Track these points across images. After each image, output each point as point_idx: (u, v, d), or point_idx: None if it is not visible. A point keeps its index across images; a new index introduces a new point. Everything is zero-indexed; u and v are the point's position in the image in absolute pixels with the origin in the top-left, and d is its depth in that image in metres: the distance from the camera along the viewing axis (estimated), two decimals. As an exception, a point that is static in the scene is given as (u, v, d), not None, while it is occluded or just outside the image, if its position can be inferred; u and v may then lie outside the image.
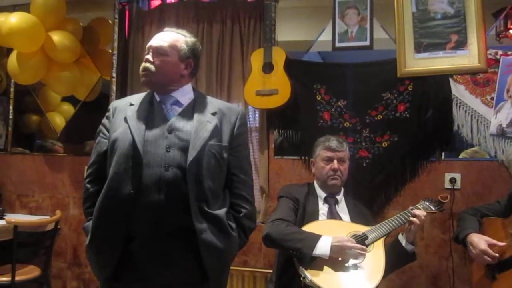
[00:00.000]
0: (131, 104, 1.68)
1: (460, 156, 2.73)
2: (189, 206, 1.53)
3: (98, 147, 1.69)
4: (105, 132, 1.69)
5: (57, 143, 3.72)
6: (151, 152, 1.56)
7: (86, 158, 3.40)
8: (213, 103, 1.75)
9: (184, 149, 1.57)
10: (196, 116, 1.65)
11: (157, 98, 1.69)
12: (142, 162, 1.54)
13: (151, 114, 1.64)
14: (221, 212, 1.61)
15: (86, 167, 1.74)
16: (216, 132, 1.64)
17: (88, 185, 1.67)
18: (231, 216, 1.66)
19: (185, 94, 1.71)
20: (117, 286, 1.59)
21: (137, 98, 1.72)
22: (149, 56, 1.66)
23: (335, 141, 2.31)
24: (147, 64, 1.65)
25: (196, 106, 1.69)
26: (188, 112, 1.67)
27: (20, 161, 3.67)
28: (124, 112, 1.66)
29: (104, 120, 1.73)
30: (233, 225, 1.64)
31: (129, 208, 1.53)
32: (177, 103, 1.69)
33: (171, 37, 1.69)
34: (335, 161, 2.27)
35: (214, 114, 1.69)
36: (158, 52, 1.65)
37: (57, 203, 3.50)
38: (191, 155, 1.56)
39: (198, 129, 1.61)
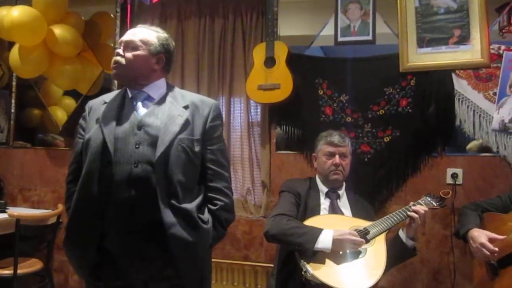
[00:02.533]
0: (105, 103, 1.69)
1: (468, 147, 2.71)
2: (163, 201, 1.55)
3: (76, 147, 1.71)
4: (82, 132, 1.71)
5: (58, 137, 3.71)
6: (121, 149, 1.57)
7: (88, 152, 3.44)
8: (186, 96, 1.74)
9: (153, 145, 1.58)
10: (166, 110, 1.65)
11: (129, 94, 1.70)
12: (112, 160, 1.56)
13: (122, 111, 1.65)
14: (191, 205, 1.61)
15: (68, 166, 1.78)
16: (187, 125, 1.64)
17: (69, 185, 1.72)
18: (205, 209, 1.66)
19: (158, 89, 1.72)
20: (100, 285, 1.62)
21: (111, 96, 1.73)
22: (119, 50, 1.67)
23: (337, 136, 2.31)
24: (118, 58, 1.66)
25: (167, 101, 1.69)
26: (159, 107, 1.67)
27: (22, 155, 3.67)
28: (98, 111, 1.67)
29: (81, 121, 1.74)
30: (205, 217, 1.63)
31: (101, 206, 1.55)
32: (148, 98, 1.70)
33: (142, 32, 1.70)
34: (337, 156, 2.27)
35: (186, 107, 1.68)
36: (129, 46, 1.67)
37: (59, 197, 3.50)
38: (159, 150, 1.56)
39: (167, 123, 1.61)
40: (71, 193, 1.67)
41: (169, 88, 1.75)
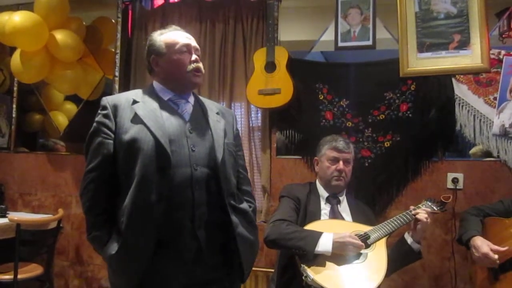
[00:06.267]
0: (135, 102, 1.61)
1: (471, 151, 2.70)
2: (220, 203, 1.57)
3: (102, 149, 1.55)
4: (108, 132, 1.57)
5: (59, 142, 3.73)
6: (177, 152, 1.54)
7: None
8: (211, 103, 1.79)
9: (208, 148, 1.60)
10: (207, 116, 1.69)
11: (165, 96, 1.67)
12: (171, 163, 1.51)
13: (165, 113, 1.61)
14: (247, 206, 1.68)
15: (86, 170, 1.58)
16: (225, 131, 1.69)
17: (95, 191, 1.55)
18: None
19: (190, 95, 1.74)
20: None
21: (139, 96, 1.65)
22: (197, 57, 1.68)
23: (342, 141, 2.31)
24: (201, 66, 1.68)
25: (201, 106, 1.73)
26: (199, 112, 1.70)
27: (23, 160, 3.68)
28: (129, 110, 1.58)
29: (103, 119, 1.59)
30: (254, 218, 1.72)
31: (162, 210, 1.48)
32: (187, 103, 1.70)
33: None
34: (341, 162, 2.27)
35: (218, 113, 1.73)
36: (198, 54, 1.70)
37: (59, 202, 3.51)
38: (219, 153, 1.60)
39: (215, 128, 1.65)
40: (100, 199, 1.54)
41: (194, 94, 1.77)
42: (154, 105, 1.61)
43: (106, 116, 1.59)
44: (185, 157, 1.55)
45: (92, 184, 1.55)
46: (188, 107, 1.69)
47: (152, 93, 1.67)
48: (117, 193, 1.55)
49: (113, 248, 1.50)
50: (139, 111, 1.57)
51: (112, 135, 1.57)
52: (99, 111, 1.62)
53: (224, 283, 1.62)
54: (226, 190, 1.58)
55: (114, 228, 1.54)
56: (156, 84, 1.70)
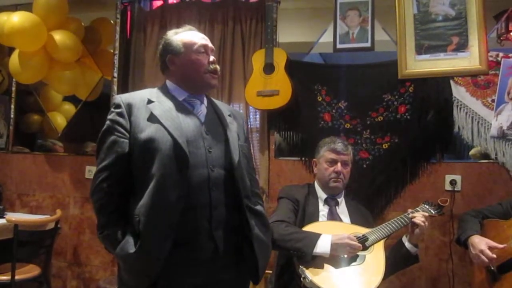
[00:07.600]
0: (151, 101, 1.59)
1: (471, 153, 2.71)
2: (236, 204, 1.57)
3: (116, 147, 1.52)
4: (123, 131, 1.54)
5: (57, 142, 3.72)
6: (194, 153, 1.53)
7: (86, 158, 3.46)
8: (222, 105, 1.79)
9: (223, 150, 1.60)
10: (220, 117, 1.69)
11: (179, 96, 1.65)
12: (189, 164, 1.50)
13: (181, 114, 1.59)
14: (261, 208, 1.68)
15: (98, 168, 1.53)
16: (238, 133, 1.69)
17: (108, 189, 1.51)
18: None
19: (203, 96, 1.72)
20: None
21: (153, 95, 1.63)
22: (214, 59, 1.68)
23: (341, 143, 2.31)
24: (218, 67, 1.69)
25: (214, 107, 1.72)
26: (213, 114, 1.69)
27: (21, 160, 3.67)
28: (145, 109, 1.55)
29: (117, 117, 1.55)
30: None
31: (179, 211, 1.46)
32: (201, 104, 1.69)
33: None
34: (339, 164, 2.27)
35: (229, 116, 1.72)
36: (214, 56, 1.70)
37: (57, 203, 3.51)
38: (236, 154, 1.59)
39: (229, 130, 1.65)
40: (112, 198, 1.51)
41: (206, 96, 1.75)
42: (170, 104, 1.60)
43: (120, 114, 1.56)
44: (202, 158, 1.54)
45: (105, 183, 1.52)
46: (203, 109, 1.68)
47: (166, 92, 1.65)
48: (130, 192, 1.53)
49: (130, 247, 1.46)
50: (155, 110, 1.55)
51: (127, 134, 1.54)
52: (112, 109, 1.58)
53: (233, 284, 1.61)
54: (243, 192, 1.58)
55: (128, 227, 1.51)
56: (169, 84, 1.69)
